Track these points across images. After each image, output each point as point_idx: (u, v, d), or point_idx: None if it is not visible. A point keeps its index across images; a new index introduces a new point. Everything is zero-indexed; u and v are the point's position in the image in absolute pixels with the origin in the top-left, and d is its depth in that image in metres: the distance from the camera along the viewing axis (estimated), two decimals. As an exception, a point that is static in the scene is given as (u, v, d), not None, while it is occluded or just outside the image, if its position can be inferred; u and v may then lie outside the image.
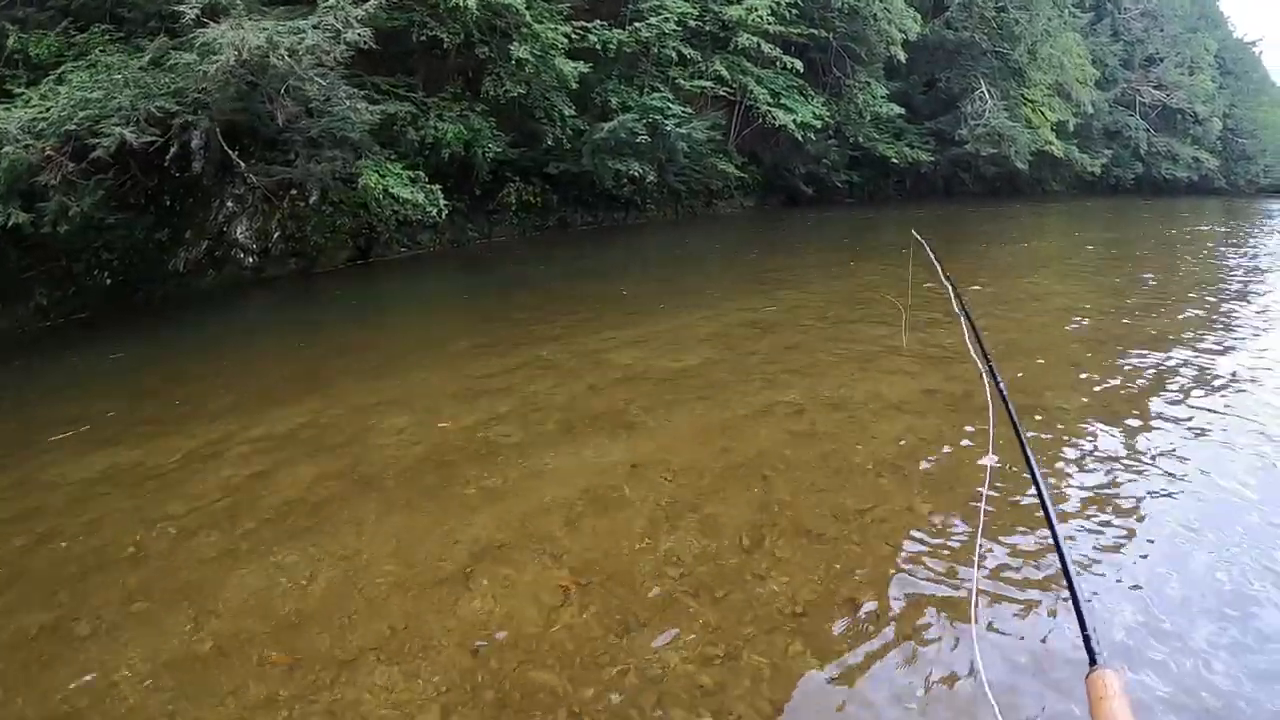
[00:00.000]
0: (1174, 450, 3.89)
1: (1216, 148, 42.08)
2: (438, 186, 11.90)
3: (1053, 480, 3.56)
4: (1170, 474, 3.59)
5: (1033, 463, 0.87)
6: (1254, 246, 13.72)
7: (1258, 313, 7.39)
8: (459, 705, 2.26)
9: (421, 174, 11.96)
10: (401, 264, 13.25)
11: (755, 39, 18.65)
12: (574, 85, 14.47)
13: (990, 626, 2.50)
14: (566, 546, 3.11)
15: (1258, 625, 2.46)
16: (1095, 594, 2.62)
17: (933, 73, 28.21)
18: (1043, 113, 29.83)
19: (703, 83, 18.29)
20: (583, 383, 5.33)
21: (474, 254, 14.50)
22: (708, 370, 5.57)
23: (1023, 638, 2.43)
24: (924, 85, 28.44)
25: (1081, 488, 3.47)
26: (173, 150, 9.18)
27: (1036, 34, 27.43)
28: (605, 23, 15.90)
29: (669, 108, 16.86)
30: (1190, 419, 4.33)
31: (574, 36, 14.64)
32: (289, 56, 9.00)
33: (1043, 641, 2.40)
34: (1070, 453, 3.88)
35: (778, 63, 19.66)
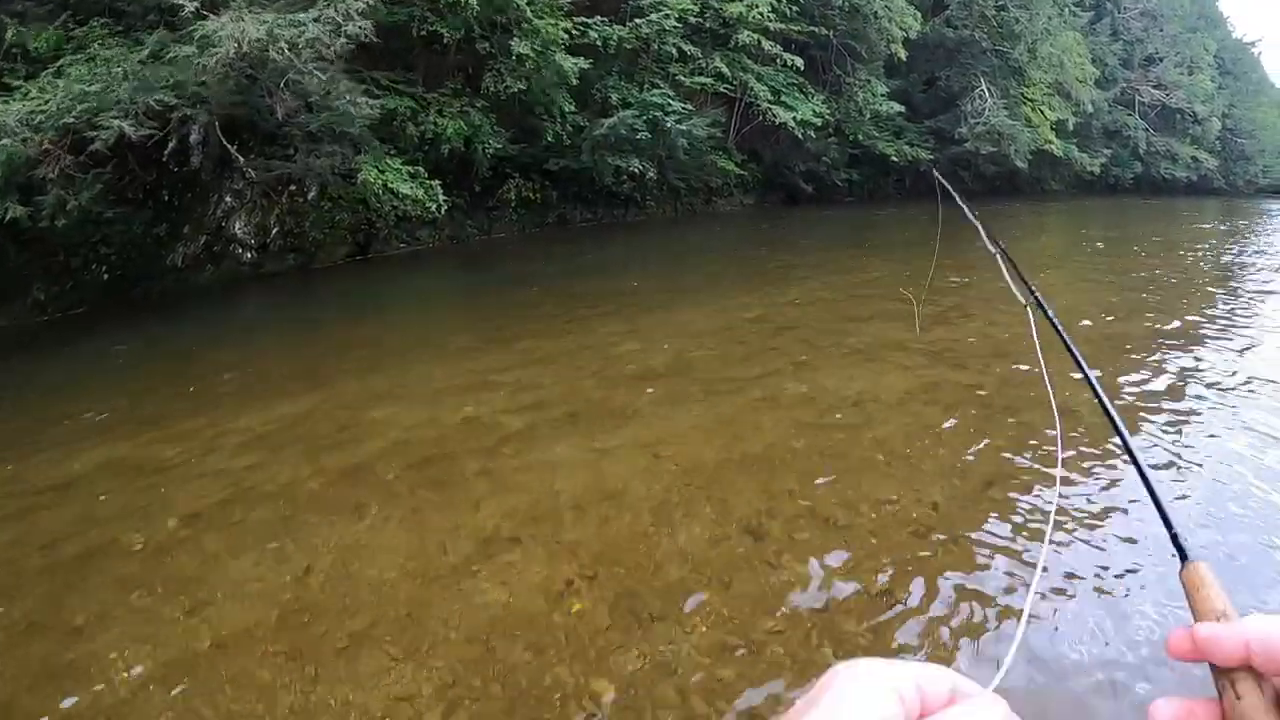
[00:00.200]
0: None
1: (1215, 148, 42.13)
2: (437, 182, 11.87)
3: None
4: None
5: (1089, 373, 0.84)
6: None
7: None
8: (465, 699, 2.21)
9: (421, 170, 11.92)
10: (400, 260, 13.19)
11: (756, 36, 18.63)
12: (574, 81, 14.44)
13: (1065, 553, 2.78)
14: (575, 537, 3.06)
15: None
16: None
17: (933, 71, 28.20)
18: (1042, 111, 29.84)
19: (703, 79, 18.27)
20: (587, 377, 5.28)
21: (473, 250, 14.44)
22: (712, 363, 5.53)
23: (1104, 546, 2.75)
24: (924, 83, 28.43)
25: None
26: (171, 144, 9.13)
27: (1036, 33, 27.44)
28: (606, 19, 15.87)
29: (669, 104, 16.82)
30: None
31: (574, 32, 14.61)
32: (289, 50, 8.95)
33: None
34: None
35: (778, 60, 19.65)
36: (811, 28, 20.39)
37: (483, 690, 2.23)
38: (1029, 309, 1.42)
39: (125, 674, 2.40)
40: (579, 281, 10.37)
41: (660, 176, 18.46)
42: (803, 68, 20.04)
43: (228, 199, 11.35)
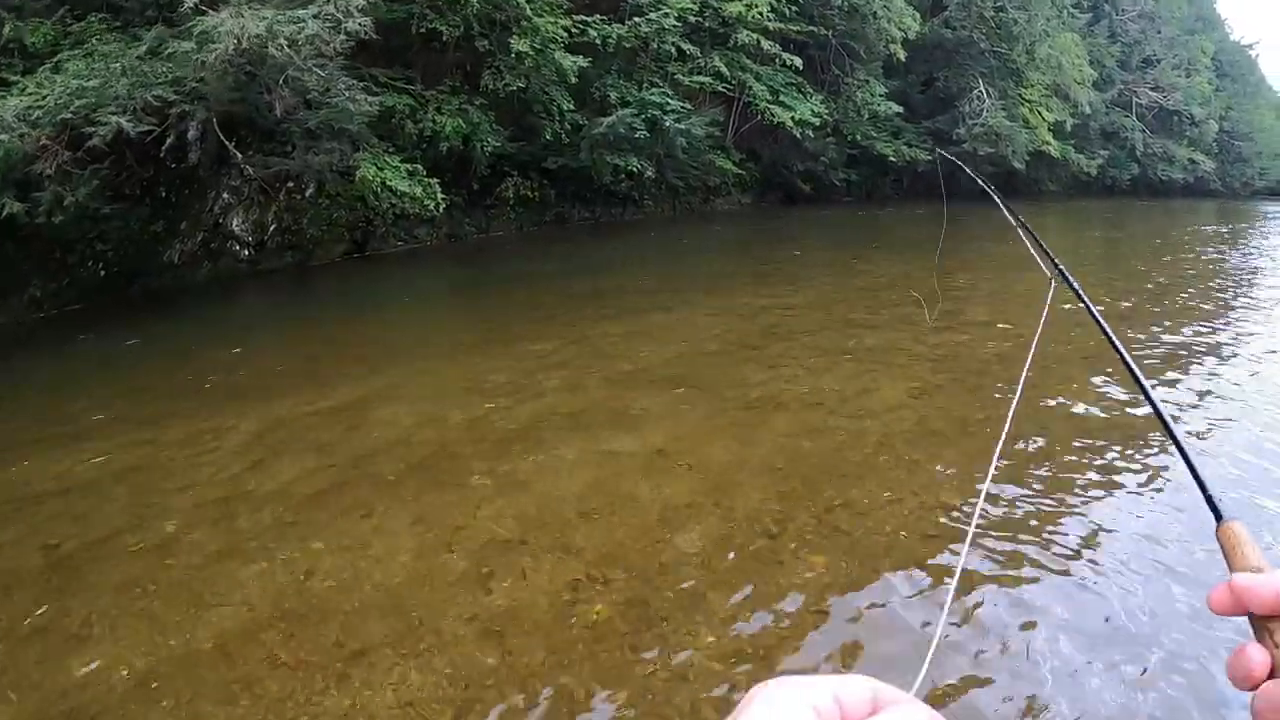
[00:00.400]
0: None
1: (1212, 149, 42.19)
2: (435, 180, 11.82)
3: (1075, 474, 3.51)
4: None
5: (1115, 341, 0.86)
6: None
7: None
8: (476, 704, 2.19)
9: (419, 167, 11.87)
10: (398, 258, 13.14)
11: (755, 35, 18.59)
12: (573, 80, 14.39)
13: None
14: (583, 540, 3.04)
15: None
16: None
17: (931, 72, 28.19)
18: (1040, 113, 29.84)
19: (702, 79, 18.22)
20: (590, 376, 5.26)
21: (471, 249, 14.40)
22: (716, 364, 5.51)
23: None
24: (922, 84, 28.42)
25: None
26: (169, 141, 9.06)
27: (1035, 34, 27.44)
28: (605, 17, 15.82)
29: (668, 103, 16.78)
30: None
31: (574, 31, 14.55)
32: (288, 46, 8.89)
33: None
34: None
35: (777, 60, 19.62)
36: (810, 28, 20.37)
37: (496, 695, 2.21)
38: (1052, 280, 1.41)
39: (125, 674, 2.38)
40: (578, 281, 10.33)
41: (658, 175, 18.42)
42: (801, 67, 20.00)
43: (225, 196, 11.28)
